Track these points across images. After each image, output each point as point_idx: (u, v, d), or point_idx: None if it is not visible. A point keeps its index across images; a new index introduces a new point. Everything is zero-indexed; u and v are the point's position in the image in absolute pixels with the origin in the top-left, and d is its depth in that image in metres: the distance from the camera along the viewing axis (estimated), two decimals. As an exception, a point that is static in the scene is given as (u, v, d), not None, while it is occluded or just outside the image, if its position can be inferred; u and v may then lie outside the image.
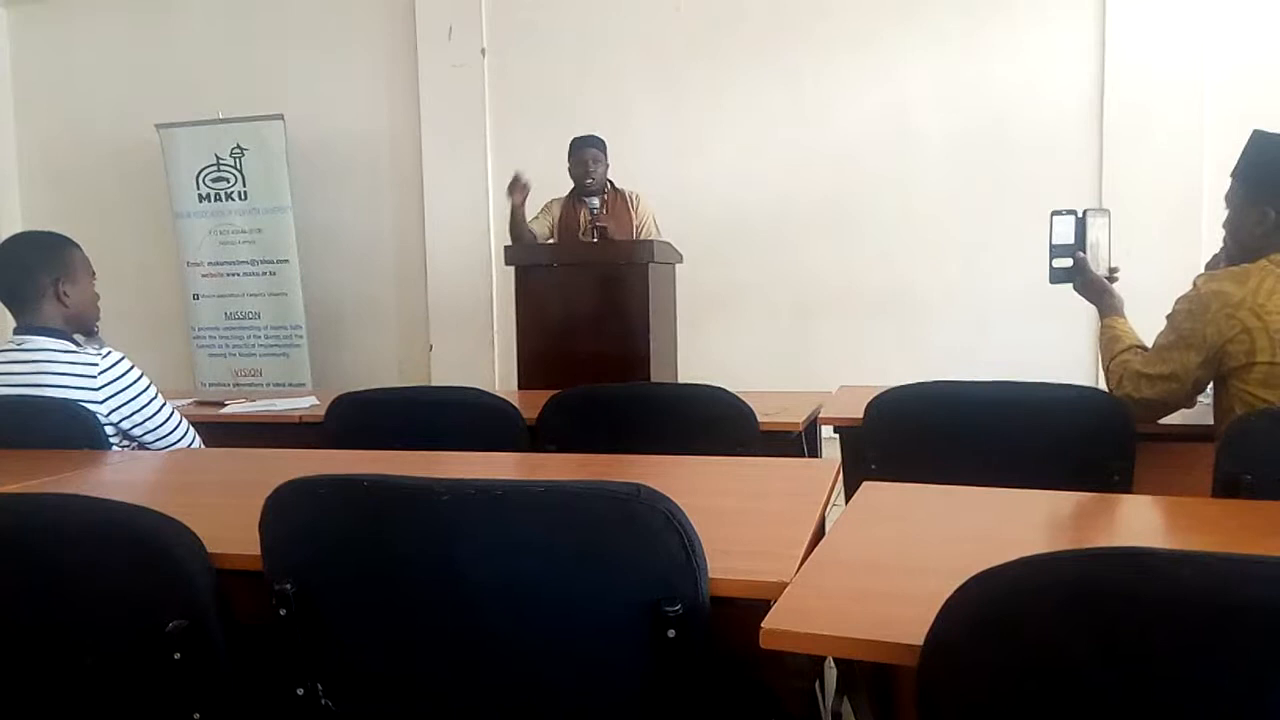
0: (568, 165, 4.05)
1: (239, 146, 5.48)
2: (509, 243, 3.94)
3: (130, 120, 5.90)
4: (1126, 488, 1.84)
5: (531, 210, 4.04)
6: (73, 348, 2.10)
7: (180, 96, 5.81)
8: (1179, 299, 1.86)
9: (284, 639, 1.12)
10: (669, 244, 3.81)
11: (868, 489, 1.44)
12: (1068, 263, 2.14)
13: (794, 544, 1.13)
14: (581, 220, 4.01)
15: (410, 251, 5.70)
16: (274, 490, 1.11)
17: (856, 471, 1.95)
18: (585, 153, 3.99)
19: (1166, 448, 1.99)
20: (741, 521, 1.32)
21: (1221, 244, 2.02)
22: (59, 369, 2.05)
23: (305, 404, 2.84)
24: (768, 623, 0.88)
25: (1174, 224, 4.40)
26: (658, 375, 3.54)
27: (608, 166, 4.07)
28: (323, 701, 1.15)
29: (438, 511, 1.03)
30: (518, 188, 3.91)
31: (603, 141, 4.06)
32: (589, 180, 3.98)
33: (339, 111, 5.72)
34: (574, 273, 3.65)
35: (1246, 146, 1.87)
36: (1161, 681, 0.72)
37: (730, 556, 1.07)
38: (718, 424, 2.11)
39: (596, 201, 3.91)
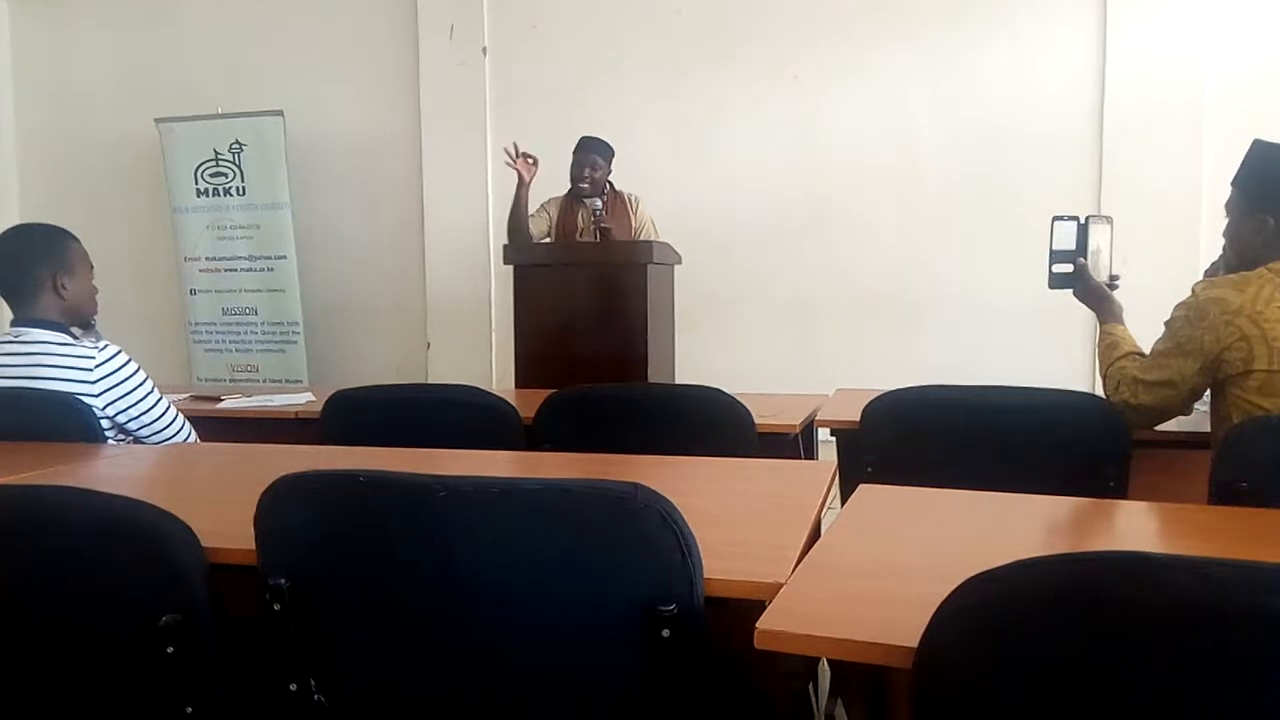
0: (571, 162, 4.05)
1: (238, 142, 5.47)
2: (508, 241, 3.93)
3: (130, 114, 5.89)
4: (1122, 493, 1.84)
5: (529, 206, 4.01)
6: (70, 340, 2.10)
7: (180, 91, 5.80)
8: (1177, 306, 1.86)
9: (278, 634, 1.12)
10: (668, 245, 3.81)
11: (864, 491, 1.44)
12: (1068, 268, 2.14)
13: (789, 546, 1.13)
14: (580, 221, 4.00)
15: (409, 249, 5.69)
16: (269, 486, 1.10)
17: (853, 474, 1.95)
18: (585, 157, 3.98)
19: (1163, 454, 2.00)
20: (737, 522, 1.32)
21: (1220, 251, 2.03)
22: (55, 361, 2.05)
23: (302, 400, 2.83)
24: (762, 623, 0.89)
25: (1173, 231, 4.41)
26: (655, 376, 3.54)
27: (608, 172, 4.05)
28: (316, 697, 1.15)
29: (434, 509, 1.02)
30: (523, 163, 3.86)
31: (608, 148, 4.04)
32: (583, 184, 3.97)
33: (339, 108, 5.71)
34: (573, 273, 3.65)
35: (1247, 155, 1.88)
36: (1156, 687, 0.72)
37: (726, 557, 1.07)
38: (715, 425, 2.10)
39: (599, 203, 3.90)
